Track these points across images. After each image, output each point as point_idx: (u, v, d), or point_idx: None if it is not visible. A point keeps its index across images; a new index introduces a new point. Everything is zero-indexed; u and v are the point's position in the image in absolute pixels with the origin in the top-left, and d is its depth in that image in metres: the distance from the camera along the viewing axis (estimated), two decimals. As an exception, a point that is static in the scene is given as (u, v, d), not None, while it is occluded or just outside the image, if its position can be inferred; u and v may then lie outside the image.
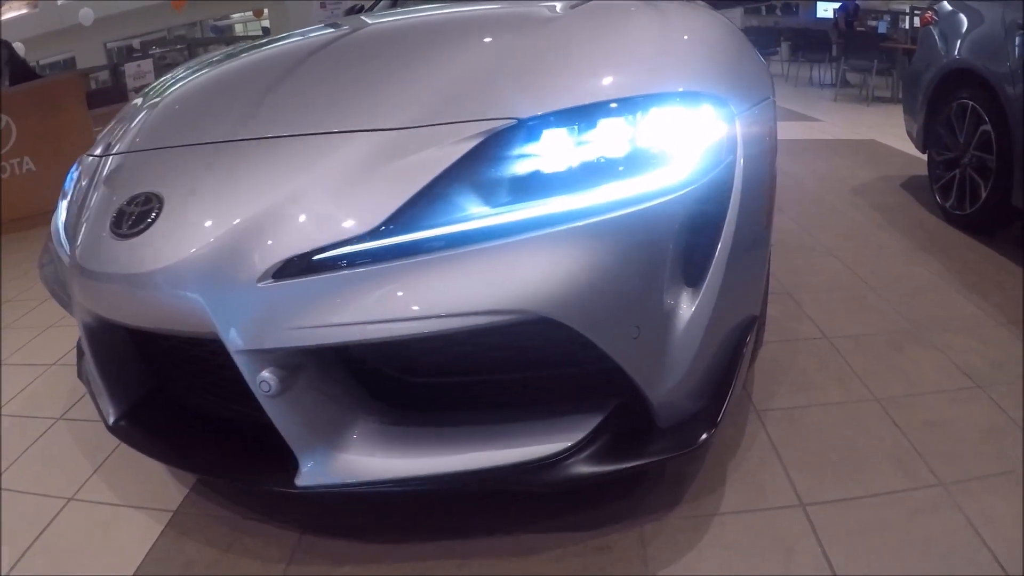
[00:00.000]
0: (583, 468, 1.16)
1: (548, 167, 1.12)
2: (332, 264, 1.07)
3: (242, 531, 1.40)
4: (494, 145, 1.12)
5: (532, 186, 1.11)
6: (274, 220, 1.11)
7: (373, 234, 1.07)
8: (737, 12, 7.84)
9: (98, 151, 1.57)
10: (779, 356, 1.96)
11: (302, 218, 1.10)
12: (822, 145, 5.18)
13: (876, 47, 7.96)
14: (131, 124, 1.56)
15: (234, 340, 1.10)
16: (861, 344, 2.02)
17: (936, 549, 1.26)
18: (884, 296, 2.36)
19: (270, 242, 1.09)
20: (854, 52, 8.16)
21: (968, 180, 2.97)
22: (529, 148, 1.13)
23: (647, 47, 1.33)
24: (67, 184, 1.66)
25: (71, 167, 1.70)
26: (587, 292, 1.06)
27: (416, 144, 1.14)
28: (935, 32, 3.36)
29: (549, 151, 1.13)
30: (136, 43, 15.81)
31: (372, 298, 1.05)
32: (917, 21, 8.41)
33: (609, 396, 1.22)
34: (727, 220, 1.20)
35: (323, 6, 8.78)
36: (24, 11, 16.51)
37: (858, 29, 9.94)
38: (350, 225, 1.08)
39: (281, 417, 1.16)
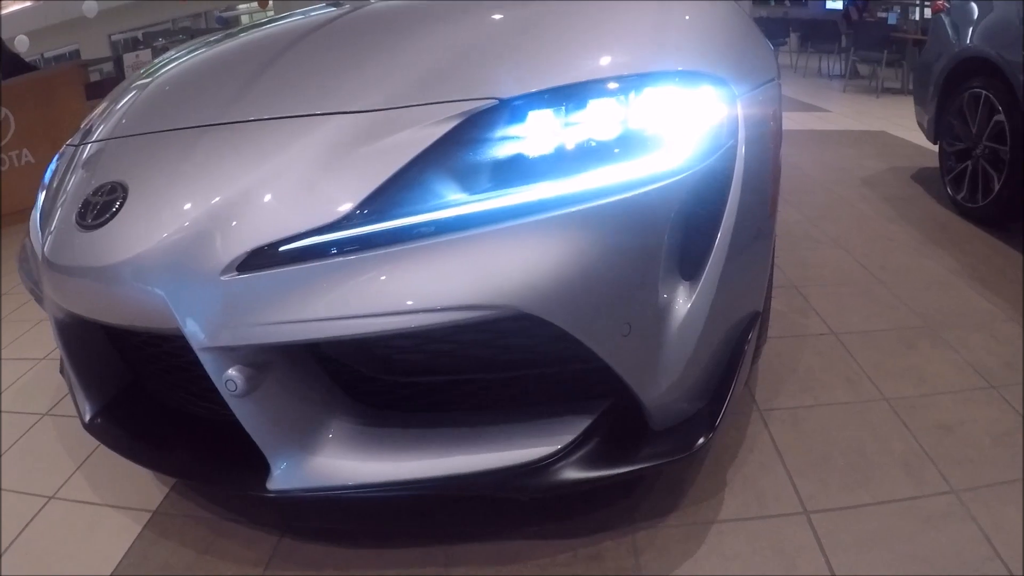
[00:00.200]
0: (571, 474, 1.09)
1: (532, 151, 1.05)
2: (299, 256, 1.01)
3: (221, 532, 1.37)
4: (473, 127, 1.05)
5: (515, 171, 1.04)
6: (238, 209, 1.05)
7: (342, 223, 1.01)
8: (746, 3, 7.77)
9: (76, 140, 1.53)
10: (784, 352, 1.90)
11: (267, 207, 1.04)
12: (831, 135, 5.11)
13: (886, 38, 7.90)
14: (112, 111, 1.52)
15: (197, 336, 1.05)
16: (870, 340, 1.96)
17: (946, 561, 1.20)
18: (894, 290, 2.30)
19: (233, 233, 1.03)
20: (863, 43, 8.09)
21: (981, 172, 2.92)
22: (512, 130, 1.06)
23: (641, 23, 1.25)
24: (46, 175, 1.62)
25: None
26: (573, 286, 0.99)
27: (390, 127, 1.07)
28: (947, 20, 3.31)
29: (534, 133, 1.06)
30: (140, 35, 15.86)
31: (341, 292, 0.99)
32: (927, 11, 8.33)
33: (599, 397, 1.16)
34: (727, 209, 1.13)
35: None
36: (28, 4, 16.54)
37: (867, 20, 9.87)
38: (317, 214, 1.02)
39: (250, 418, 1.10)
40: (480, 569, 1.23)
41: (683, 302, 1.10)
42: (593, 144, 1.05)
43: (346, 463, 1.13)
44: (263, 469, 1.15)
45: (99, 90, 5.82)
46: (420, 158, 1.03)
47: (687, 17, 1.32)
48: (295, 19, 1.79)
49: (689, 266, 1.12)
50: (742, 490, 1.39)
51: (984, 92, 2.87)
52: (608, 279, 1.02)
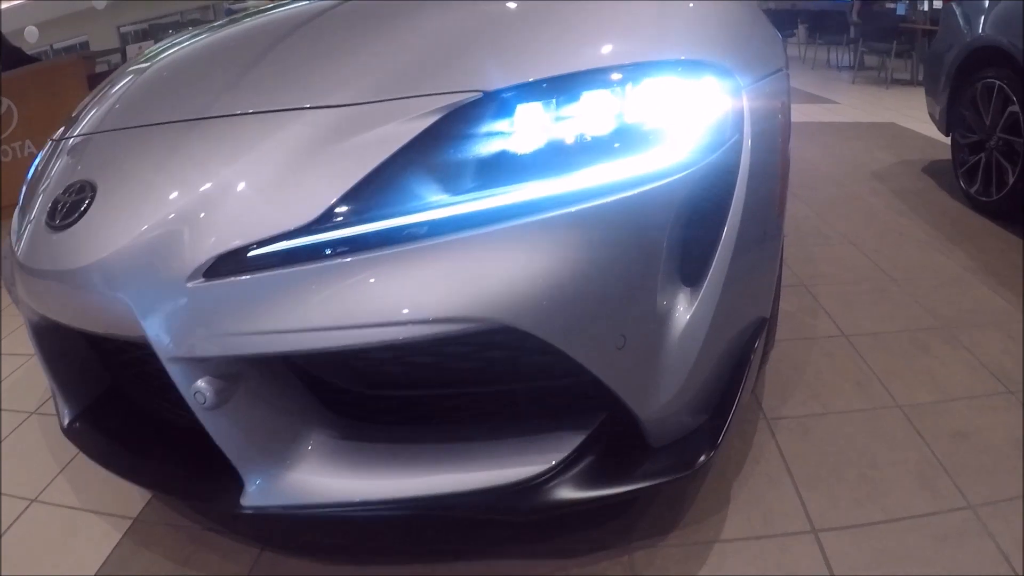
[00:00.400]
0: (564, 494, 1.02)
1: (520, 147, 0.98)
2: (269, 262, 0.94)
3: (201, 543, 1.33)
4: (456, 122, 0.98)
5: (501, 170, 0.97)
6: (206, 211, 0.99)
7: (313, 227, 0.94)
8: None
9: (58, 134, 1.48)
10: (793, 356, 1.84)
11: (235, 209, 0.98)
12: (840, 128, 5.04)
13: (895, 29, 7.83)
14: (91, 105, 1.47)
15: (164, 346, 0.99)
16: (882, 342, 1.90)
17: (964, 583, 1.13)
18: (907, 288, 2.23)
19: (200, 237, 0.97)
20: (872, 34, 8.02)
21: (994, 164, 2.86)
22: (498, 125, 0.99)
23: (638, 10, 1.18)
24: (30, 172, 1.56)
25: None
26: (563, 295, 0.92)
27: (366, 122, 1.00)
28: (958, 9, 3.24)
29: (522, 128, 0.99)
30: (148, 27, 15.92)
31: (313, 302, 0.92)
32: (937, 1, 8.23)
33: (594, 411, 1.09)
34: (732, 208, 1.07)
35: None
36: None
37: (876, 10, 9.79)
38: (288, 217, 0.95)
39: (221, 431, 1.04)
40: (465, 590, 1.18)
41: (684, 310, 1.03)
42: (587, 140, 0.98)
43: (325, 480, 1.07)
44: (238, 484, 1.09)
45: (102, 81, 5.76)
46: (398, 155, 0.96)
47: (688, 2, 1.24)
48: (282, 11, 1.72)
49: (691, 271, 1.05)
50: (747, 506, 1.32)
51: (998, 82, 2.82)
52: (602, 287, 0.95)
